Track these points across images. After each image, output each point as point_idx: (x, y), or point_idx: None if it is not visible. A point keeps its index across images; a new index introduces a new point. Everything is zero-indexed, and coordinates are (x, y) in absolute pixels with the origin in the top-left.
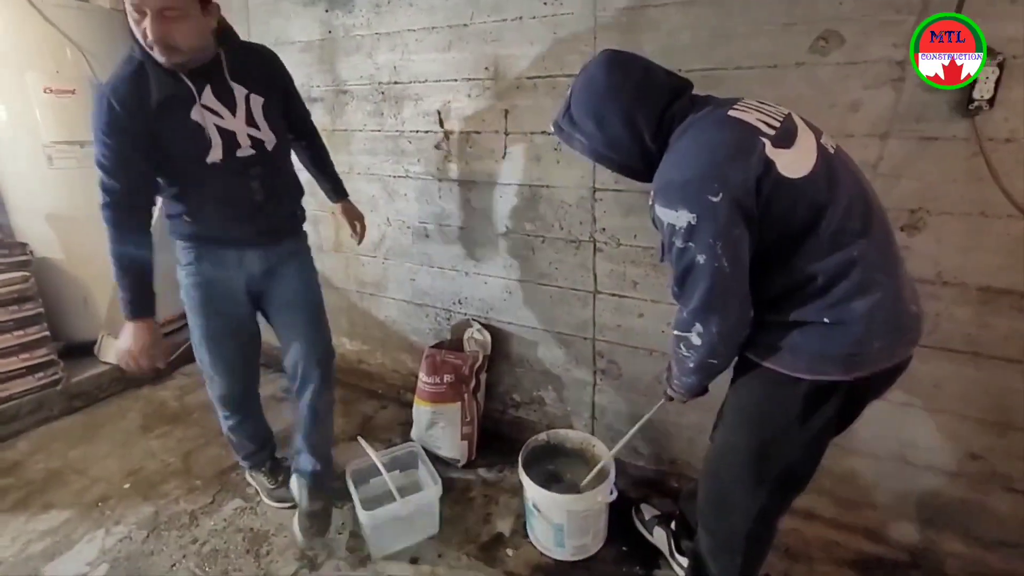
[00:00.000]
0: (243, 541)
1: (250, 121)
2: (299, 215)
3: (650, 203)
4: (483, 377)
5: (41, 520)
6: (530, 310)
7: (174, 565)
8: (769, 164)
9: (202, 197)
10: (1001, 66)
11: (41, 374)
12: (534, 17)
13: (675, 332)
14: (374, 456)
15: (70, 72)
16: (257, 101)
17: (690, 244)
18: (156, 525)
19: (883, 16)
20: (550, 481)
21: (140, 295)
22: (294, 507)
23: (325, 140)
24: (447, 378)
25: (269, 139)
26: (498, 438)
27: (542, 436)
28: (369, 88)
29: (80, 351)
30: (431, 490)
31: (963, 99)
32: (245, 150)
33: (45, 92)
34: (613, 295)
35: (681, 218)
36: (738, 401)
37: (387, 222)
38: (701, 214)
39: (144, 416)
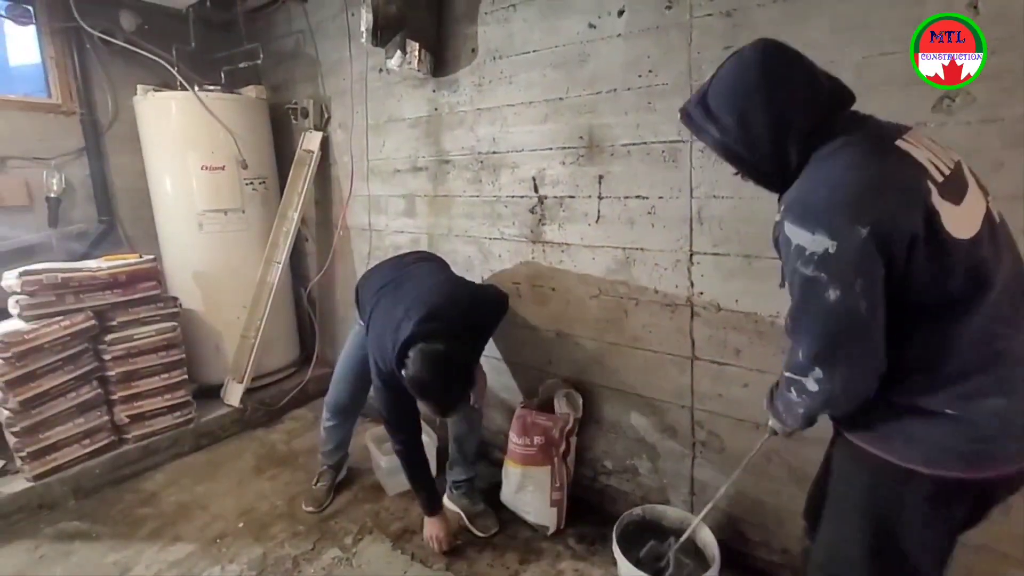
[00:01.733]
0: None
1: None
2: None
3: (778, 219)
4: (573, 440)
5: (170, 551)
6: (623, 374)
7: None
8: (933, 214)
9: None
10: None
11: (179, 413)
12: (628, 89)
13: (787, 373)
14: None
15: (222, 152)
16: None
17: (821, 275)
18: (264, 567)
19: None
20: (647, 560)
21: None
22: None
23: (427, 205)
24: (537, 440)
25: None
26: (588, 507)
27: (637, 511)
28: (469, 158)
29: (209, 393)
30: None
31: None
32: None
33: (202, 169)
34: (713, 362)
35: (817, 243)
36: (845, 491)
37: (482, 281)
38: (843, 244)
39: (257, 457)
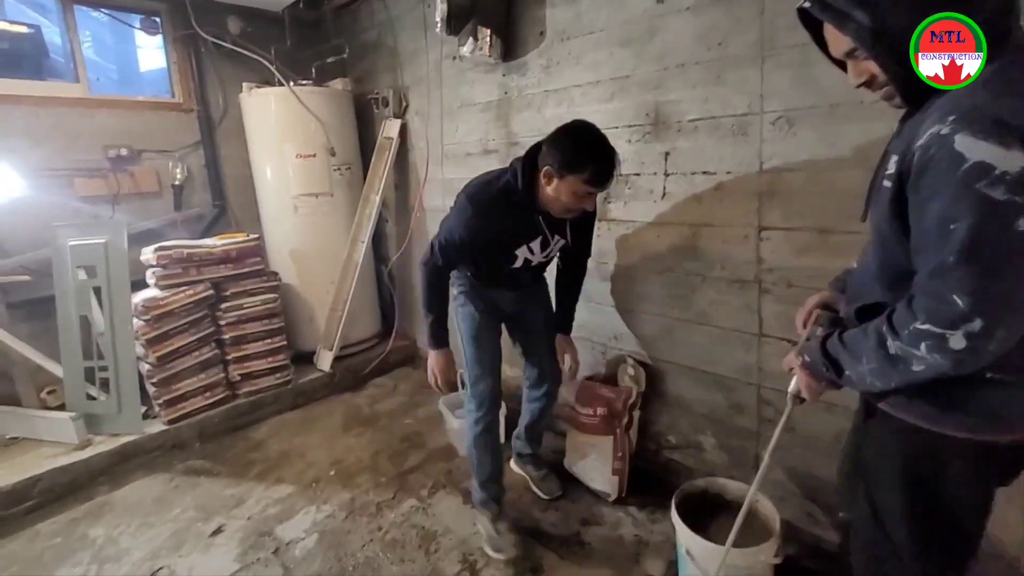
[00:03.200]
0: (416, 536)
1: (547, 256)
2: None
3: (940, 129)
4: (636, 414)
5: (275, 490)
6: (688, 350)
7: (364, 546)
8: None
9: (491, 275)
10: None
11: (279, 375)
12: (697, 63)
13: (920, 326)
14: None
15: (313, 141)
16: (559, 243)
17: (1016, 198)
18: (352, 510)
19: None
20: (706, 531)
21: (444, 334)
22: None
23: None
24: (600, 411)
25: (548, 260)
26: (651, 479)
27: (700, 482)
28: (538, 139)
29: (304, 359)
30: None
31: None
32: (534, 264)
33: (296, 157)
34: (783, 340)
35: (1011, 160)
36: (883, 460)
37: None
38: None
39: (345, 417)
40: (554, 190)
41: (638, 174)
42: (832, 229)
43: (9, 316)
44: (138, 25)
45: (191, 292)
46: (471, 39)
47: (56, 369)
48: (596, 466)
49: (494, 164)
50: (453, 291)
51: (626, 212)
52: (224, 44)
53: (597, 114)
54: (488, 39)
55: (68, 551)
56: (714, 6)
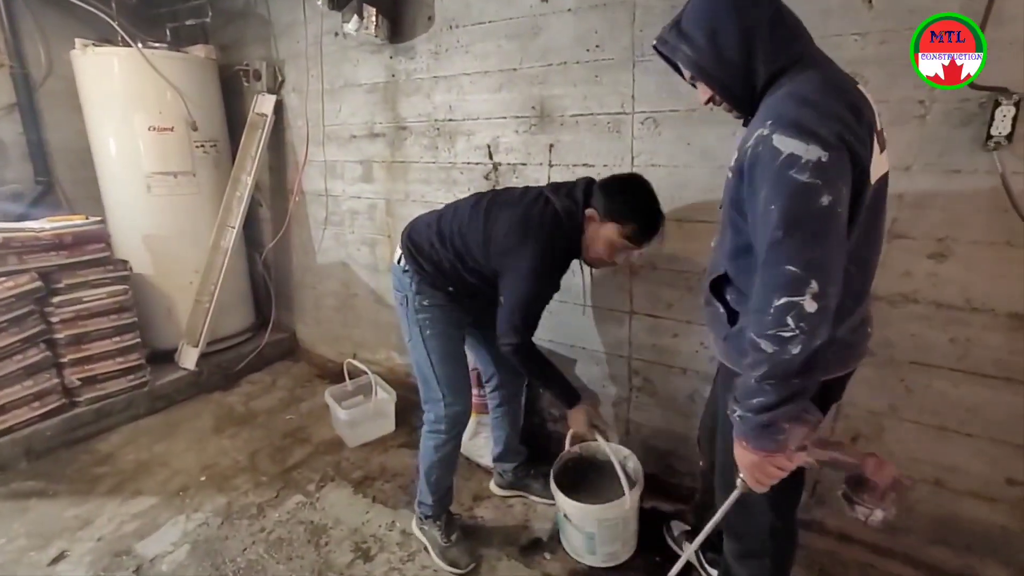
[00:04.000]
0: (304, 532)
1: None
2: None
3: (762, 132)
4: (524, 391)
5: (132, 504)
6: (569, 329)
7: (245, 549)
8: (871, 154)
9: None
10: (1018, 105)
11: (132, 376)
12: (577, 62)
13: (780, 300)
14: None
15: (171, 113)
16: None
17: (816, 181)
18: (229, 514)
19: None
20: (583, 492)
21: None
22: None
23: (384, 170)
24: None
25: None
26: (539, 451)
27: (575, 449)
28: (426, 125)
29: (162, 358)
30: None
31: (983, 135)
32: None
33: (149, 130)
34: (648, 315)
35: (811, 152)
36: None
37: None
38: (832, 155)
39: (215, 418)
40: (593, 233)
41: (525, 164)
42: (687, 219)
43: None
44: None
45: (11, 284)
46: (356, 16)
47: None
48: (487, 444)
49: (381, 148)
50: (416, 304)
51: None
52: None
53: (486, 103)
54: (375, 18)
55: None
56: (592, 11)
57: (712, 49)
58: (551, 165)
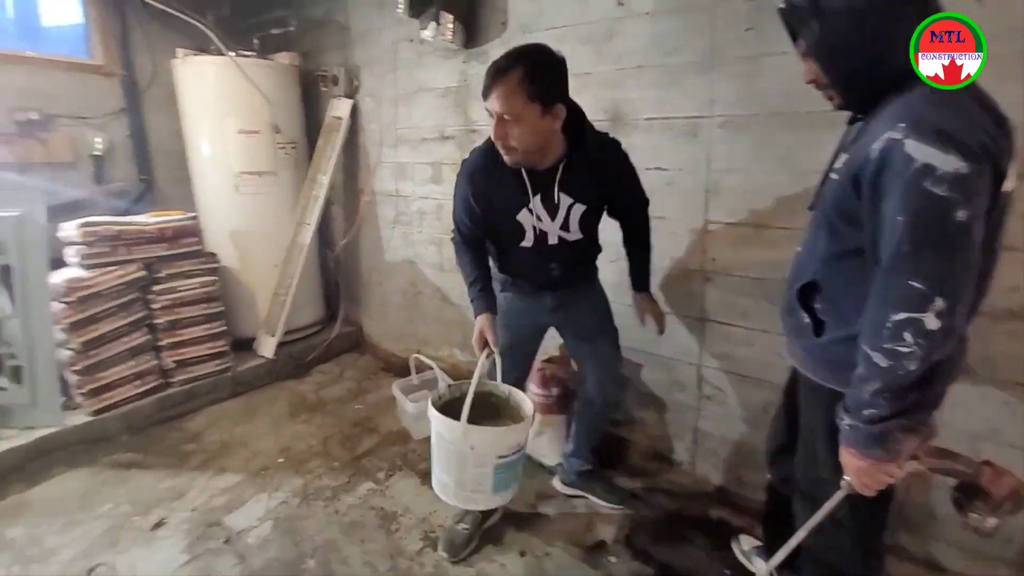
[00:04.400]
0: (376, 517)
1: (564, 226)
2: (592, 269)
3: (893, 135)
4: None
5: (219, 480)
6: (637, 332)
7: (322, 529)
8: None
9: (512, 261)
10: None
11: (218, 362)
12: (654, 66)
13: (899, 315)
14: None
15: (258, 117)
16: (578, 210)
17: (954, 195)
18: (306, 495)
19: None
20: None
21: (487, 300)
22: None
23: (453, 172)
24: (555, 391)
25: (576, 238)
26: (600, 455)
27: (443, 390)
28: None
29: (243, 345)
30: None
31: None
32: (553, 242)
33: (238, 133)
34: (722, 323)
35: (950, 162)
36: (815, 418)
37: None
38: (975, 166)
39: (290, 404)
40: None
41: None
42: (766, 225)
43: None
44: None
45: (121, 273)
46: (433, 23)
47: None
48: (550, 444)
49: (451, 150)
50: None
51: None
52: (153, 3)
53: None
54: (451, 24)
55: None
56: (670, 15)
57: (850, 31)
58: None
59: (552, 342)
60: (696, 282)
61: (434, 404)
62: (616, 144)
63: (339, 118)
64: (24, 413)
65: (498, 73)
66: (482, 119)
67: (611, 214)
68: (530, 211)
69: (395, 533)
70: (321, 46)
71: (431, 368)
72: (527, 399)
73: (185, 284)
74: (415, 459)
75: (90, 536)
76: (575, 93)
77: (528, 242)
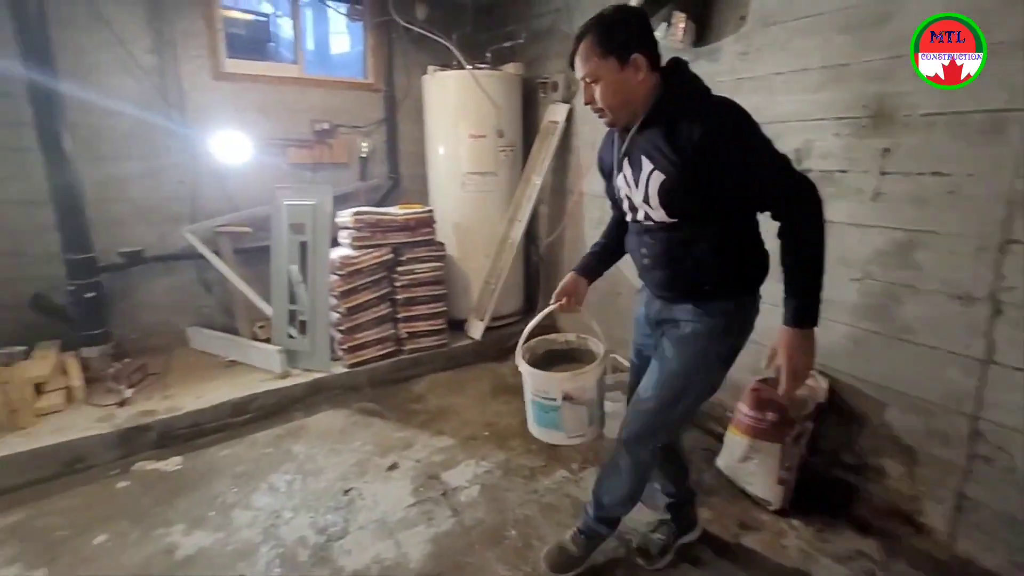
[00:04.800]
0: (571, 506)
1: (645, 197)
2: (708, 289)
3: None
4: (810, 426)
5: (437, 440)
6: (882, 366)
7: (522, 504)
8: None
9: (628, 242)
10: None
11: (436, 337)
12: None
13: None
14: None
15: (485, 122)
16: (657, 179)
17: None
18: (508, 470)
19: None
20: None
21: (585, 262)
22: None
23: None
24: (771, 416)
25: (659, 216)
26: (816, 496)
27: (533, 342)
28: None
29: (455, 326)
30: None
31: None
32: (641, 218)
33: (469, 137)
34: (1017, 369)
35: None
36: None
37: None
38: None
39: (492, 384)
40: None
41: (844, 171)
42: None
43: (235, 260)
44: (344, 11)
45: (377, 254)
46: (664, 24)
47: (266, 308)
48: (758, 472)
49: None
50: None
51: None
52: (413, 28)
53: (800, 104)
54: (682, 24)
55: (278, 460)
56: None
57: None
58: (883, 173)
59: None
60: (980, 313)
61: (525, 358)
62: (719, 103)
63: (555, 122)
64: (305, 358)
65: (577, 41)
66: None
67: (741, 203)
68: (623, 175)
69: None
70: (544, 54)
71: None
72: (599, 344)
73: (420, 267)
74: (607, 456)
75: (345, 464)
76: (825, 87)
77: (629, 214)
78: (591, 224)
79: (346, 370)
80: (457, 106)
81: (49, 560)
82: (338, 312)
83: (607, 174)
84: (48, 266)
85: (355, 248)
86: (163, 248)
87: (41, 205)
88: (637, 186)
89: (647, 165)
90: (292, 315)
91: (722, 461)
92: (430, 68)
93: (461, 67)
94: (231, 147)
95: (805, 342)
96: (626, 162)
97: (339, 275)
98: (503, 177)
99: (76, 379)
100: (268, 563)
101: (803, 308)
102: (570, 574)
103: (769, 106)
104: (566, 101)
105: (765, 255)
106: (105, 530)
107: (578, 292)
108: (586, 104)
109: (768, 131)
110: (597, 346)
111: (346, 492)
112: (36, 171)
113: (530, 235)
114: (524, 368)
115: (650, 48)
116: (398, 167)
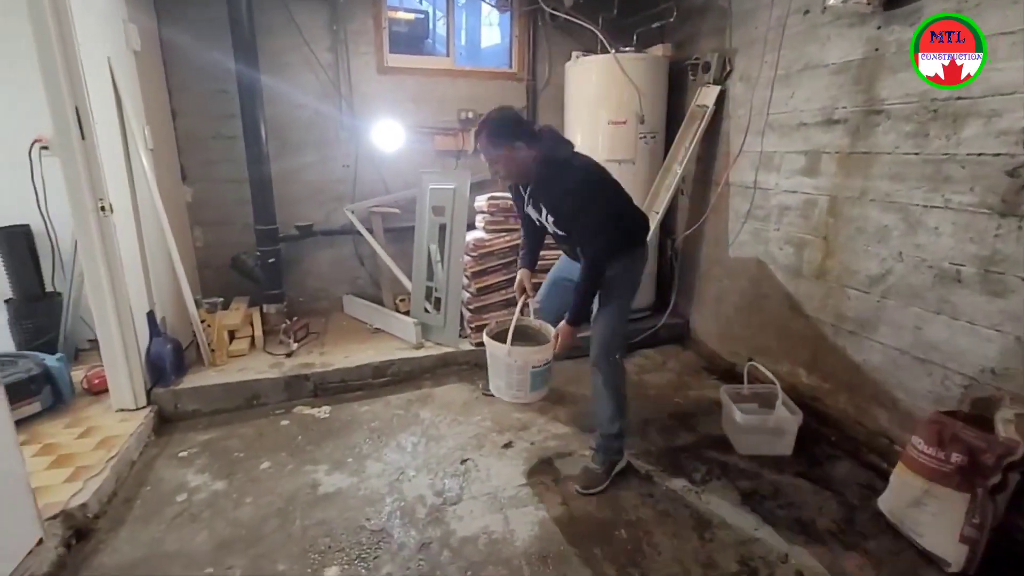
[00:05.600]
0: (689, 517)
1: (549, 223)
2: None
3: None
4: (1013, 477)
5: (553, 426)
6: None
7: (635, 506)
8: None
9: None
10: None
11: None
12: None
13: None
14: None
15: (626, 108)
16: (549, 217)
17: None
18: (624, 469)
19: None
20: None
21: (527, 260)
22: None
23: (835, 163)
24: (956, 458)
25: (562, 230)
26: (1012, 563)
27: (492, 324)
28: (915, 106)
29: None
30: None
31: None
32: (551, 231)
33: (608, 124)
34: None
35: None
36: None
37: (898, 257)
38: None
39: None
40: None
41: None
42: None
43: (384, 238)
44: (493, 2)
45: (508, 238)
46: None
47: (407, 283)
48: (936, 524)
49: (838, 137)
50: None
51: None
52: (559, 15)
53: None
54: None
55: (407, 423)
56: None
57: None
58: None
59: None
60: None
61: (488, 334)
62: (571, 171)
63: (703, 106)
64: (437, 332)
65: (476, 136)
66: (893, 95)
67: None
68: (533, 211)
69: (709, 542)
70: (696, 34)
71: (771, 382)
72: (551, 328)
73: (549, 255)
74: (735, 474)
75: (465, 436)
76: None
77: (549, 228)
78: (735, 217)
79: (472, 347)
80: (598, 92)
81: (228, 475)
82: (469, 292)
83: (520, 206)
84: (244, 234)
85: (488, 232)
86: (328, 224)
87: (242, 183)
88: (543, 218)
89: (544, 209)
90: (429, 291)
91: (886, 503)
92: (574, 54)
93: (605, 52)
94: (387, 134)
95: (572, 333)
96: (531, 204)
97: (472, 256)
98: (642, 165)
99: (258, 330)
100: (390, 513)
101: (572, 315)
102: (596, 489)
103: (986, 76)
104: (717, 83)
105: (634, 225)
106: (269, 459)
107: (530, 284)
108: (492, 176)
109: (980, 107)
110: (540, 325)
111: (463, 461)
112: (240, 155)
113: (665, 228)
114: (520, 351)
115: (525, 134)
116: None
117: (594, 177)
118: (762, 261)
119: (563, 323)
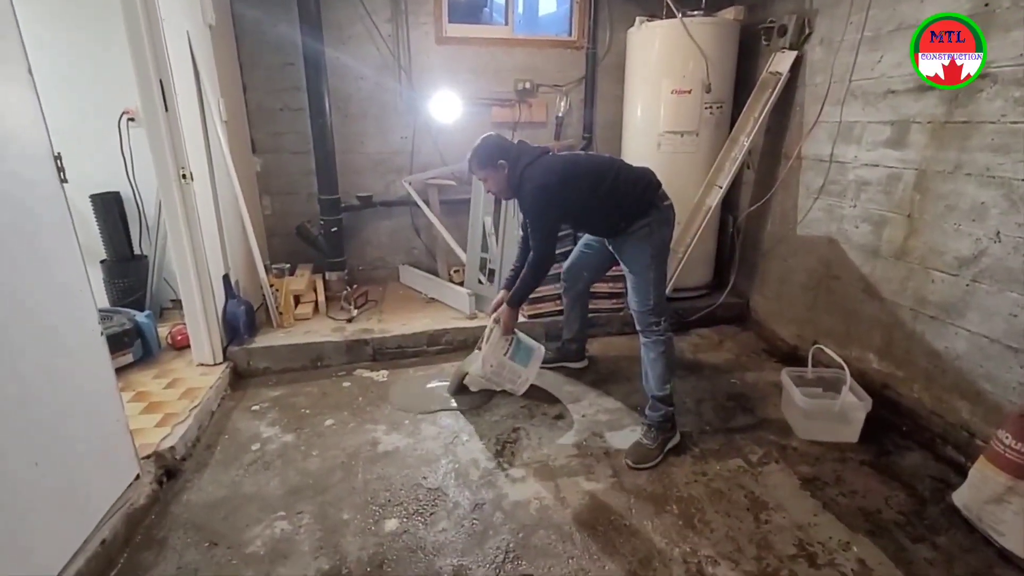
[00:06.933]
0: (744, 498)
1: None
2: (623, 225)
3: None
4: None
5: (603, 401)
6: None
7: (687, 483)
8: None
9: None
10: None
11: (615, 301)
12: None
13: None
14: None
15: (692, 76)
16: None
17: None
18: (676, 445)
19: None
20: None
21: (511, 280)
22: None
23: (927, 134)
24: None
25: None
26: None
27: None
28: None
29: None
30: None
31: None
32: None
33: (671, 93)
34: None
35: None
36: None
37: (995, 237)
38: None
39: None
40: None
41: None
42: None
43: (440, 209)
44: None
45: None
46: None
47: (462, 255)
48: (1019, 523)
49: (931, 104)
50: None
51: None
52: None
53: None
54: None
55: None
56: None
57: None
58: None
59: None
60: None
61: (450, 391)
62: (529, 182)
63: (777, 73)
64: (489, 304)
65: (468, 163)
66: (1004, 56)
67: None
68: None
69: (764, 524)
70: None
71: (838, 366)
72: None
73: None
74: (795, 458)
75: (515, 405)
76: None
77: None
78: (806, 193)
79: (524, 320)
80: (662, 59)
81: (295, 429)
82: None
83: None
84: (308, 204)
85: None
86: (387, 195)
87: (307, 154)
88: (522, 224)
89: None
90: (483, 263)
91: (962, 498)
92: (637, 19)
93: (671, 16)
94: (445, 106)
95: (512, 314)
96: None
97: None
98: (705, 137)
99: (321, 296)
100: (445, 473)
101: (512, 298)
102: (648, 464)
103: None
104: (794, 47)
105: (632, 199)
106: (332, 416)
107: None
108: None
109: None
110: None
111: (515, 430)
112: (305, 127)
113: (728, 203)
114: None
115: (506, 153)
116: (593, 126)
117: (553, 179)
118: (834, 240)
119: (504, 305)
